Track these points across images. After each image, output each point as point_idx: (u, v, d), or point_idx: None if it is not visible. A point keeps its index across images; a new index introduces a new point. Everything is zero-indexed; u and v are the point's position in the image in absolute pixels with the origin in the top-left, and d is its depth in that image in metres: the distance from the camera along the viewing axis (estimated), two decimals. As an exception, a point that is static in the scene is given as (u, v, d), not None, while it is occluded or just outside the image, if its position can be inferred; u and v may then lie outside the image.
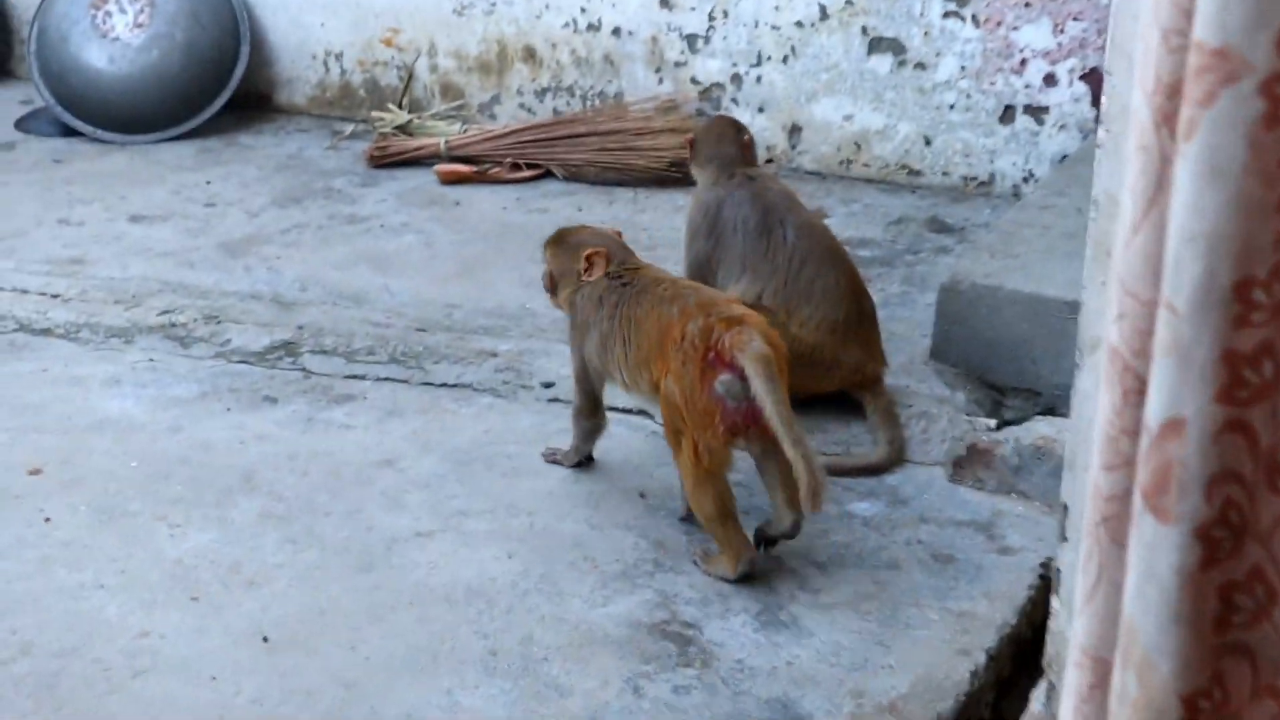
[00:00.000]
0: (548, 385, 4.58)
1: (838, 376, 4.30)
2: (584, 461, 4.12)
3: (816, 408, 4.39)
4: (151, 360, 4.77)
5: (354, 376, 4.68)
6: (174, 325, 4.94)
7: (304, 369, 4.72)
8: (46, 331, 4.94)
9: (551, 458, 4.16)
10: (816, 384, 4.30)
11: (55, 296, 5.13)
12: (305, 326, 4.90)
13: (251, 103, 7.52)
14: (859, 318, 4.32)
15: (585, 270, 3.68)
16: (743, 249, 4.25)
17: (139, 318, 4.98)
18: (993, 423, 4.36)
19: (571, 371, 3.91)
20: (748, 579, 3.51)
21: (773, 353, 3.28)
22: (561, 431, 4.32)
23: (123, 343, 4.88)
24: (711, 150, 4.46)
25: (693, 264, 4.35)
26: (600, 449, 4.13)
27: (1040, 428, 4.11)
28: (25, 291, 5.17)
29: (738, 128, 4.62)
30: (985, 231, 5.85)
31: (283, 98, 7.54)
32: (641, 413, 4.35)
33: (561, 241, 3.86)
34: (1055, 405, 4.67)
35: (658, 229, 5.80)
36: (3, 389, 4.56)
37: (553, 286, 3.85)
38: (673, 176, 6.30)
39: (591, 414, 3.96)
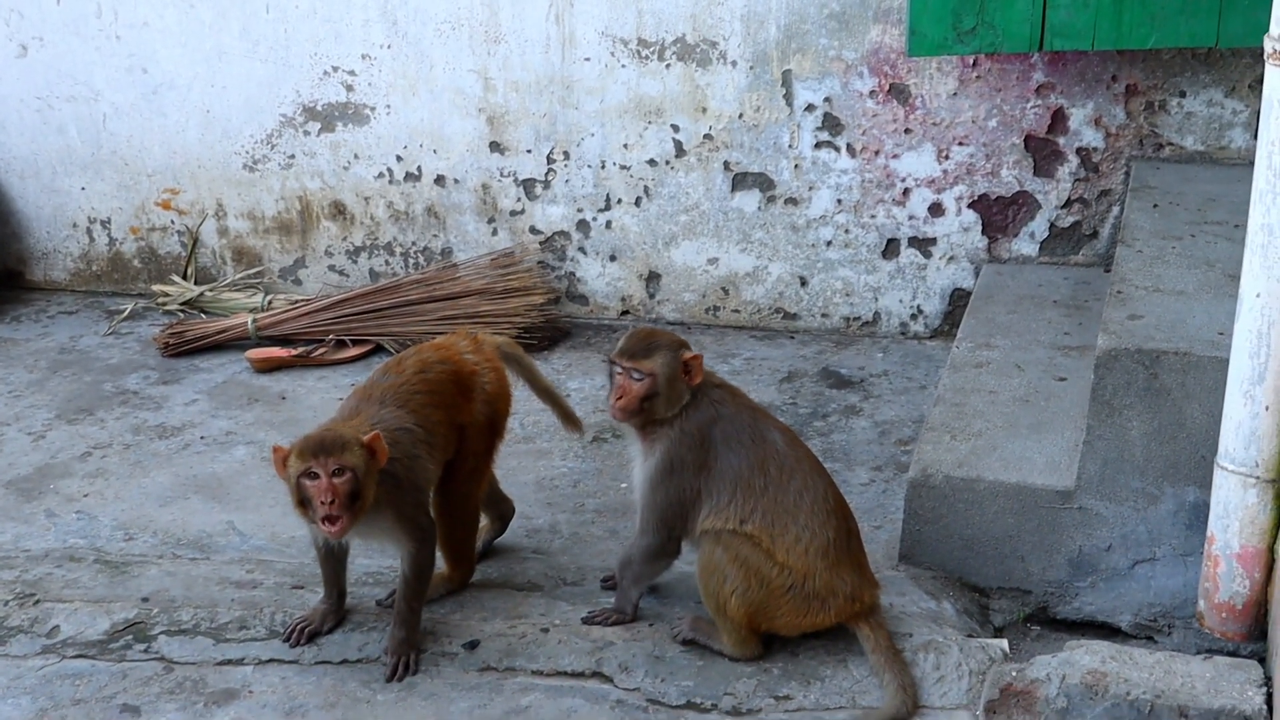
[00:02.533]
0: (472, 645, 3.84)
1: (834, 608, 3.69)
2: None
3: (804, 649, 3.78)
4: (-40, 668, 3.83)
5: (229, 662, 3.83)
6: (-21, 612, 4.00)
7: (162, 657, 3.85)
8: None
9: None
10: (809, 619, 3.69)
11: None
12: (152, 598, 4.02)
13: (0, 282, 6.53)
14: (848, 535, 3.73)
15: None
16: (737, 466, 3.62)
17: (-70, 605, 4.03)
18: (1004, 643, 3.82)
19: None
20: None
21: None
22: (513, 713, 3.60)
23: (-84, 644, 3.92)
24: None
25: (665, 508, 3.68)
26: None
27: (1084, 659, 3.56)
28: None
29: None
30: (899, 391, 5.38)
31: (38, 274, 6.56)
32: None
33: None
34: (1048, 604, 4.18)
35: (525, 409, 5.09)
36: None
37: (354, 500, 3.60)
38: (526, 342, 5.60)
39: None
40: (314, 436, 3.57)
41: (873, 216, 5.74)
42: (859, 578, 3.72)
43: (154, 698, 3.71)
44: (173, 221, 6.35)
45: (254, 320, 5.85)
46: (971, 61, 5.45)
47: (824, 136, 5.67)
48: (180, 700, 3.70)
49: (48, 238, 6.51)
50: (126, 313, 6.24)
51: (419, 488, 3.76)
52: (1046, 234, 5.63)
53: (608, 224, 5.97)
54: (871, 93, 5.58)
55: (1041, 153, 5.53)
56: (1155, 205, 4.92)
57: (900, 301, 5.83)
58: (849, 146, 5.66)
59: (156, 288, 6.31)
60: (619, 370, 3.68)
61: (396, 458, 3.67)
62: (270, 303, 6.05)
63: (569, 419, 4.30)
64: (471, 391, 3.96)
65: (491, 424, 4.02)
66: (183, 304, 6.22)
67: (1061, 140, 5.50)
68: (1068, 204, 5.57)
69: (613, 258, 6.01)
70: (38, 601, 4.03)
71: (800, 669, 3.74)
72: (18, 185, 6.44)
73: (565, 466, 4.87)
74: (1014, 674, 3.60)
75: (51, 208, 6.45)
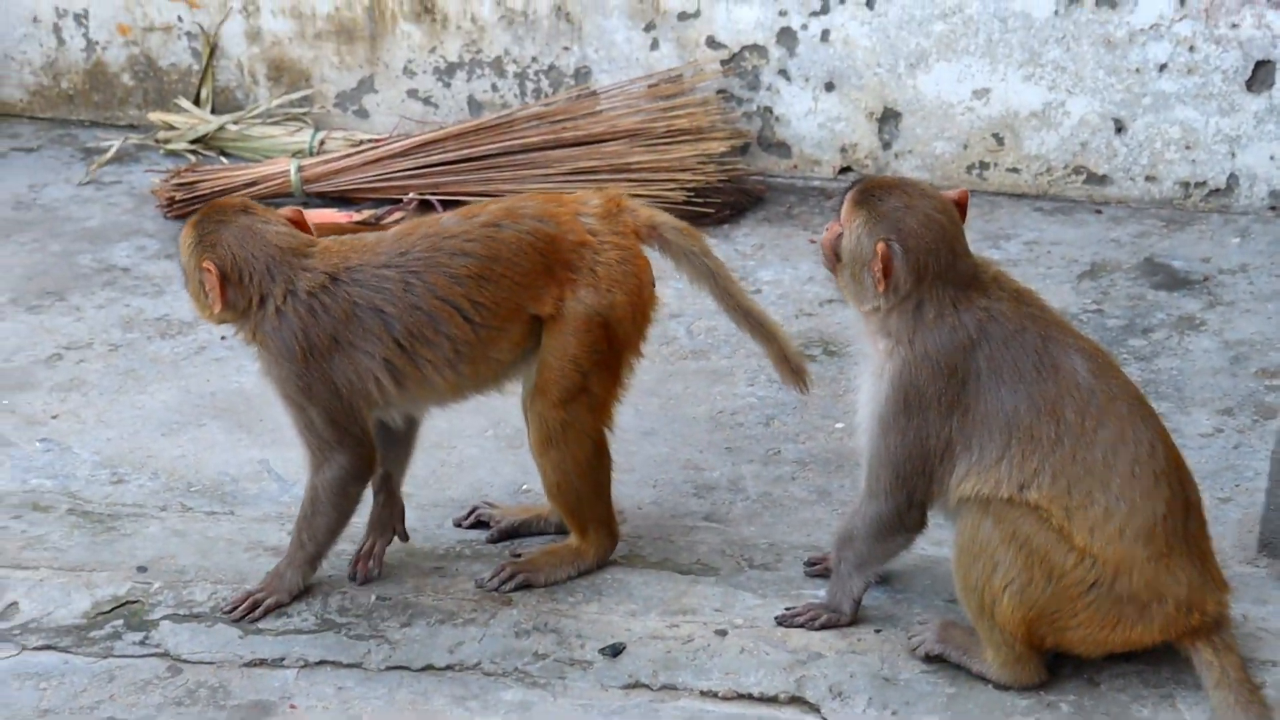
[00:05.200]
0: (614, 651, 3.93)
1: (1158, 619, 3.71)
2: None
3: (1109, 676, 3.80)
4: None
5: (260, 662, 3.96)
6: (-96, 580, 4.18)
7: (166, 653, 3.98)
8: None
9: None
10: (1119, 633, 3.71)
11: None
12: (151, 568, 4.17)
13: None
14: (1185, 512, 3.74)
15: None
16: (1012, 406, 3.67)
17: None
18: None
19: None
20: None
21: None
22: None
23: None
24: (928, 261, 3.78)
25: (901, 461, 3.73)
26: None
27: None
28: None
29: (938, 200, 3.93)
30: (1264, 296, 5.35)
31: (-16, 92, 6.79)
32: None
33: None
34: None
35: (694, 307, 5.14)
36: None
37: None
38: (700, 211, 5.67)
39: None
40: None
41: (1234, 26, 5.70)
42: (1199, 576, 3.73)
43: (153, 711, 3.83)
44: (180, 19, 6.50)
45: (299, 168, 5.97)
46: None
47: (1159, -95, 5.65)
48: (192, 715, 3.82)
49: None
50: (111, 152, 6.40)
51: (335, 391, 3.95)
52: None
53: (824, 34, 6.00)
54: None
55: None
56: None
57: (1272, 159, 5.79)
58: (1197, -79, 5.64)
59: (156, 117, 6.45)
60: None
61: (301, 336, 3.92)
62: (323, 143, 6.17)
63: (788, 367, 4.20)
64: (568, 270, 3.95)
65: (607, 329, 3.99)
66: (194, 141, 6.36)
67: None
68: None
69: (830, 86, 6.04)
70: (-12, 567, 4.20)
71: (1102, 706, 3.77)
72: (-42, -38, 6.64)
73: (753, 395, 4.94)
74: None
75: (5, -4, 6.65)
